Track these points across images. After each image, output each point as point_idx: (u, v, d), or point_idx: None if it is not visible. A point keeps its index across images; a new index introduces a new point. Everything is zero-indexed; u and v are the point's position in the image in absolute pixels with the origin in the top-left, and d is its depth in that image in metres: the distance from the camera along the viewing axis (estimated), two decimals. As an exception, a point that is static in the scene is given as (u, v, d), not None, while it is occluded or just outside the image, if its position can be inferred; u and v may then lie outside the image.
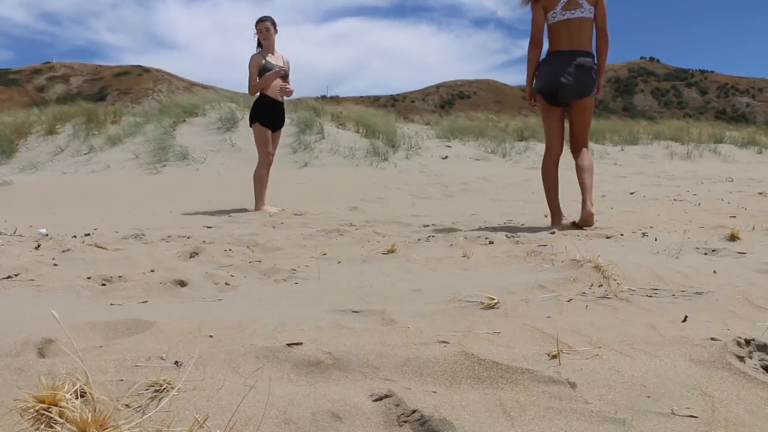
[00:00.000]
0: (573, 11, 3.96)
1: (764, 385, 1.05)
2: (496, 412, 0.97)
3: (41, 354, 1.22)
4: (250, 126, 5.74)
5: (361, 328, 1.37)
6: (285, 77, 5.72)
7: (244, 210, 5.48)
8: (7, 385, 1.07)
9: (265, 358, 1.18)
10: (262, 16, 5.77)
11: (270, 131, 5.69)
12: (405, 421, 0.95)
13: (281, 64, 5.71)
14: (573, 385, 1.04)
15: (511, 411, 0.97)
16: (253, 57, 5.65)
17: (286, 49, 6.87)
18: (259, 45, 5.75)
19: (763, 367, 1.14)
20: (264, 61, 5.61)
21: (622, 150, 13.08)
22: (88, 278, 2.25)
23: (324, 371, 1.14)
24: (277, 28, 5.75)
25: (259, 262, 2.65)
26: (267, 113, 5.64)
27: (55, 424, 0.85)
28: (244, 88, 5.91)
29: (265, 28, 5.67)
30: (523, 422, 0.94)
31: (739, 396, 1.02)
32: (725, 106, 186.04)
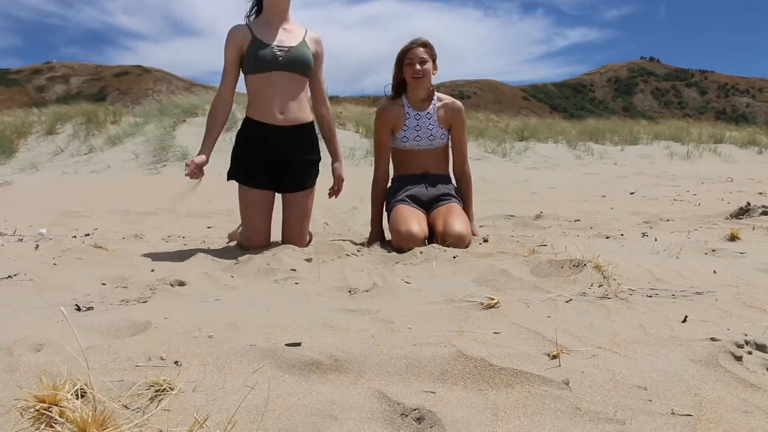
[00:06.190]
0: None
1: (763, 385, 1.05)
2: (494, 412, 0.97)
3: (41, 354, 1.22)
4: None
5: (360, 329, 1.38)
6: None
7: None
8: (6, 385, 1.07)
9: (265, 358, 1.19)
10: None
11: (257, 190, 3.04)
12: (403, 421, 0.95)
13: (292, 44, 2.91)
14: (572, 386, 1.04)
15: (510, 411, 0.97)
16: (231, 31, 2.92)
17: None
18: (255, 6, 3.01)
19: (761, 367, 1.14)
20: (251, 38, 2.87)
21: (622, 150, 13.08)
22: (88, 278, 2.26)
23: (323, 371, 1.14)
24: None
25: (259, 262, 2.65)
26: (246, 154, 3.09)
27: (55, 423, 0.85)
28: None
29: None
30: (522, 422, 0.94)
31: (738, 396, 1.02)
32: (725, 106, 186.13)
